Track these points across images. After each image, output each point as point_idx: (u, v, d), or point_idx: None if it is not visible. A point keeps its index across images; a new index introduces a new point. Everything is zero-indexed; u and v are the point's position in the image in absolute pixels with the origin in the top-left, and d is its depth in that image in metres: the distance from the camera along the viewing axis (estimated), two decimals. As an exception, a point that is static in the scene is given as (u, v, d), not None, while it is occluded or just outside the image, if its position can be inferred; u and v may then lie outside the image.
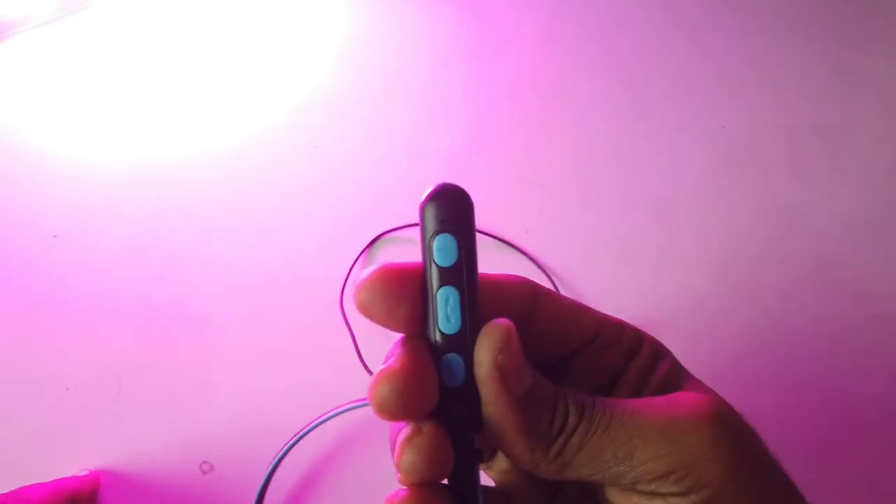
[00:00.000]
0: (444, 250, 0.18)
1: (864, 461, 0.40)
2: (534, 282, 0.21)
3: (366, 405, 0.37)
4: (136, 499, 0.40)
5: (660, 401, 0.20)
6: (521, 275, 0.21)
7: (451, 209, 0.18)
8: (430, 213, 0.18)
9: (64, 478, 0.38)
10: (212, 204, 0.49)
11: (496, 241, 0.47)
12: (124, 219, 0.48)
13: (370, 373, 0.40)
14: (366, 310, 0.18)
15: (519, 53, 0.55)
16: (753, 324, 0.44)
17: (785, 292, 0.45)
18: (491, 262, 0.21)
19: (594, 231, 0.47)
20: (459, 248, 0.18)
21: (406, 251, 0.47)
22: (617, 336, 0.22)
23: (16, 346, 0.44)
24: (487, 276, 0.20)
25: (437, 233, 0.18)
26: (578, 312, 0.22)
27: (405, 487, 0.18)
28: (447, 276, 0.18)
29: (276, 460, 0.37)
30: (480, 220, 0.48)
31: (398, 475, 0.18)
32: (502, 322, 0.18)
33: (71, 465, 0.40)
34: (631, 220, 0.48)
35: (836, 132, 0.50)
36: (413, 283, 0.18)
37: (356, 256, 0.47)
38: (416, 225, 0.20)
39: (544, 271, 0.46)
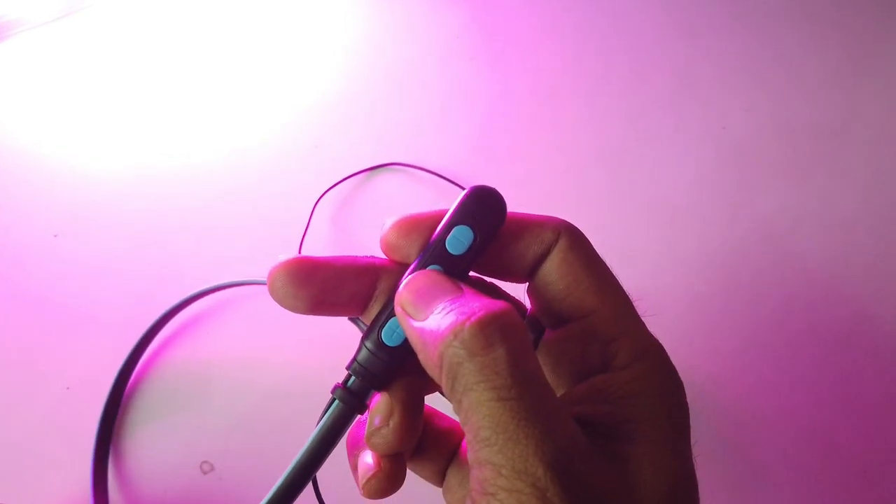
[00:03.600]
0: (458, 241, 0.20)
1: (865, 462, 0.40)
2: (566, 231, 0.21)
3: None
4: (137, 499, 0.40)
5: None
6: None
7: (487, 212, 0.20)
8: (470, 204, 0.20)
9: None
10: (212, 204, 0.49)
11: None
12: (124, 219, 0.48)
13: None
14: (277, 297, 0.20)
15: (519, 54, 0.55)
16: (753, 324, 0.44)
17: (785, 292, 0.45)
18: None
19: (594, 231, 0.47)
20: (471, 247, 0.20)
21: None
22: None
23: (16, 346, 0.44)
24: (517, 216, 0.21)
25: (462, 223, 0.20)
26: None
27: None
28: (445, 259, 0.20)
29: None
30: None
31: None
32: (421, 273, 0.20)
33: (70, 465, 0.40)
34: (631, 220, 0.48)
35: (836, 132, 0.50)
36: (321, 272, 0.20)
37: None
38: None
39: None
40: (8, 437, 0.41)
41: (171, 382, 0.43)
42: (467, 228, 0.20)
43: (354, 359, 0.20)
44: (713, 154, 0.50)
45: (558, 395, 0.21)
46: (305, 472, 0.20)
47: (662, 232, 0.47)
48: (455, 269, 0.20)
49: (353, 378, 0.20)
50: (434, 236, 0.20)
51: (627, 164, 0.49)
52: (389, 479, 0.20)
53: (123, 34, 0.57)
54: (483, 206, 0.20)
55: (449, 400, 0.18)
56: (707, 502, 0.42)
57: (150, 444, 0.41)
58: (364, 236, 0.48)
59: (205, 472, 0.40)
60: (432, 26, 0.56)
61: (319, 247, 0.47)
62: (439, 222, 0.20)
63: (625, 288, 0.22)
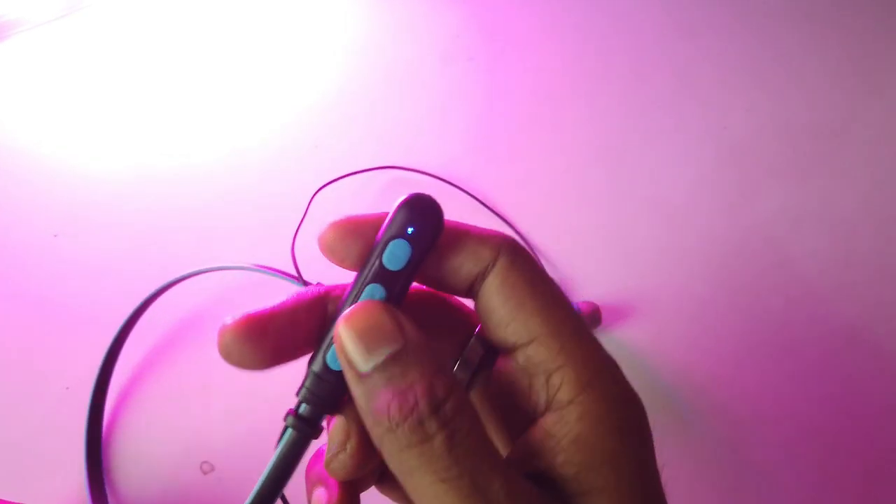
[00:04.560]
0: (395, 256, 0.19)
1: (865, 462, 0.40)
2: (510, 248, 0.20)
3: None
4: (137, 498, 0.40)
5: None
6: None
7: (423, 224, 0.19)
8: (404, 216, 0.19)
9: None
10: (212, 204, 0.49)
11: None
12: (124, 219, 0.48)
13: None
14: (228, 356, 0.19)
15: (518, 53, 0.55)
16: (753, 324, 0.44)
17: (785, 292, 0.45)
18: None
19: (594, 231, 0.47)
20: (409, 262, 0.19)
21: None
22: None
23: (16, 346, 0.44)
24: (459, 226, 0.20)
25: (398, 237, 0.19)
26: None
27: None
28: (383, 276, 0.19)
29: None
30: (481, 220, 0.48)
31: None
32: (365, 303, 0.18)
33: (70, 465, 0.40)
34: (632, 220, 0.48)
35: (836, 132, 0.50)
36: (277, 329, 0.19)
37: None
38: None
39: (544, 271, 0.46)
40: (8, 436, 0.41)
41: (172, 382, 0.43)
42: (404, 242, 0.19)
43: (303, 384, 0.20)
44: (713, 154, 0.50)
45: (516, 440, 0.19)
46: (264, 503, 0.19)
47: (662, 232, 0.47)
48: (395, 286, 0.19)
49: (303, 405, 0.20)
50: (372, 251, 0.19)
51: (627, 165, 0.49)
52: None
53: (123, 34, 0.57)
54: (418, 216, 0.19)
55: (392, 471, 0.18)
56: (707, 502, 0.42)
57: (150, 444, 0.41)
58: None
59: (205, 472, 0.40)
60: (432, 26, 0.56)
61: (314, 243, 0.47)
62: (378, 225, 0.19)
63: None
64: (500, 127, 0.52)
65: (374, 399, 0.17)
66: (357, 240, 0.19)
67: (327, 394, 0.19)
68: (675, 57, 0.54)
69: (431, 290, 0.21)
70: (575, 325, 0.19)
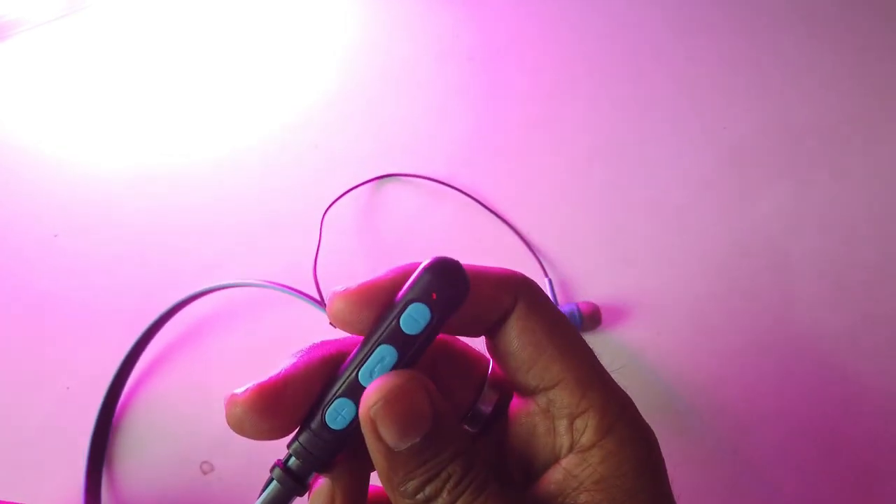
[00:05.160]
0: (414, 319, 0.18)
1: (865, 462, 0.40)
2: (525, 289, 0.20)
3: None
4: (137, 499, 0.40)
5: None
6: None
7: (446, 291, 0.18)
8: (428, 281, 0.18)
9: None
10: (212, 203, 0.49)
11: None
12: (124, 219, 0.48)
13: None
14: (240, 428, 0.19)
15: (518, 53, 0.55)
16: (753, 324, 0.44)
17: (785, 293, 0.45)
18: (487, 263, 0.20)
19: (594, 232, 0.47)
20: (427, 328, 0.18)
21: (406, 252, 0.47)
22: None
23: (16, 346, 0.44)
24: (479, 269, 0.20)
25: (419, 300, 0.18)
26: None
27: None
28: (398, 339, 0.18)
29: None
30: (480, 221, 0.48)
31: None
32: (398, 376, 0.18)
33: (70, 465, 0.40)
34: (631, 220, 0.48)
35: (836, 132, 0.50)
36: (289, 400, 0.19)
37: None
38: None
39: (544, 272, 0.46)
40: (7, 436, 0.41)
41: (172, 382, 0.43)
42: (424, 306, 0.18)
43: (295, 438, 0.19)
44: (713, 154, 0.50)
45: (539, 480, 0.20)
46: None
47: (662, 232, 0.47)
48: (409, 349, 0.18)
49: (292, 458, 0.19)
50: (389, 310, 0.18)
51: (627, 165, 0.49)
52: None
53: (123, 34, 0.57)
54: (442, 282, 0.18)
55: None
56: (707, 502, 0.42)
57: (149, 444, 0.41)
58: (357, 237, 0.48)
59: (205, 473, 0.40)
60: (431, 26, 0.56)
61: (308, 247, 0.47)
62: (393, 289, 0.19)
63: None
64: (500, 127, 0.52)
65: (402, 477, 0.18)
66: (371, 312, 0.19)
67: (321, 452, 0.19)
68: (674, 57, 0.54)
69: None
70: (596, 369, 0.20)
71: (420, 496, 0.18)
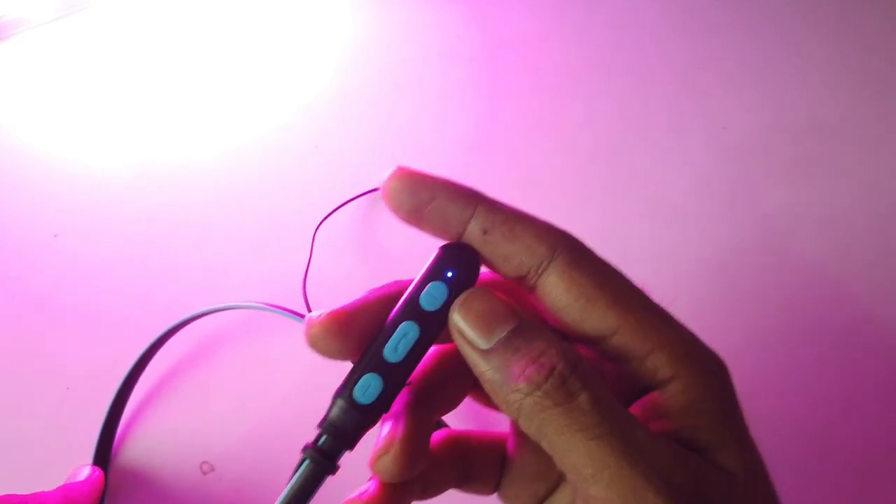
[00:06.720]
0: (433, 297, 0.19)
1: (864, 461, 0.40)
2: (565, 243, 0.20)
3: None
4: (136, 499, 0.40)
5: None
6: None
7: (462, 271, 0.20)
8: (444, 262, 0.20)
9: (68, 483, 0.38)
10: (212, 204, 0.49)
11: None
12: (125, 219, 0.48)
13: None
14: None
15: (518, 54, 0.55)
16: (753, 324, 0.44)
17: (784, 293, 0.45)
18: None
19: (594, 231, 0.47)
20: (444, 304, 0.19)
21: (405, 254, 0.47)
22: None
23: (16, 346, 0.44)
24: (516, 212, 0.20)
25: (437, 280, 0.19)
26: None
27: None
28: (420, 315, 0.19)
29: None
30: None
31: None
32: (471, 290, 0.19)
33: (70, 465, 0.40)
34: (631, 220, 0.48)
35: (836, 132, 0.50)
36: None
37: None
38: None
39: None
40: (8, 437, 0.41)
41: (172, 382, 0.43)
42: (442, 285, 0.19)
43: (326, 417, 0.20)
44: (713, 154, 0.50)
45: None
46: None
47: (662, 232, 0.47)
48: (430, 325, 0.19)
49: (324, 437, 0.20)
50: (407, 293, 0.20)
51: (627, 165, 0.49)
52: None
53: (123, 34, 0.57)
54: (456, 263, 0.20)
55: (534, 439, 0.19)
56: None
57: (149, 444, 0.41)
58: (353, 250, 0.48)
59: (205, 473, 0.40)
60: (432, 27, 0.56)
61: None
62: (374, 311, 0.20)
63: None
64: (501, 127, 0.52)
65: (506, 370, 0.18)
66: (347, 337, 0.19)
67: (350, 428, 0.20)
68: (674, 57, 0.54)
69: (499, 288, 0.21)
70: (653, 310, 0.20)
71: (531, 384, 0.18)
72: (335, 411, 0.20)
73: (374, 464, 0.20)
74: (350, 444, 0.20)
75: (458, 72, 0.54)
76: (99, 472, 0.38)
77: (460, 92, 0.53)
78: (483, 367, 0.19)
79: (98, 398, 0.41)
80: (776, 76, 0.53)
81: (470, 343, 0.19)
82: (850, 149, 0.50)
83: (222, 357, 0.44)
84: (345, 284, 0.45)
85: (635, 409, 0.20)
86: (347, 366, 0.20)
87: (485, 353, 0.18)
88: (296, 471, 0.20)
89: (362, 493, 0.20)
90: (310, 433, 0.20)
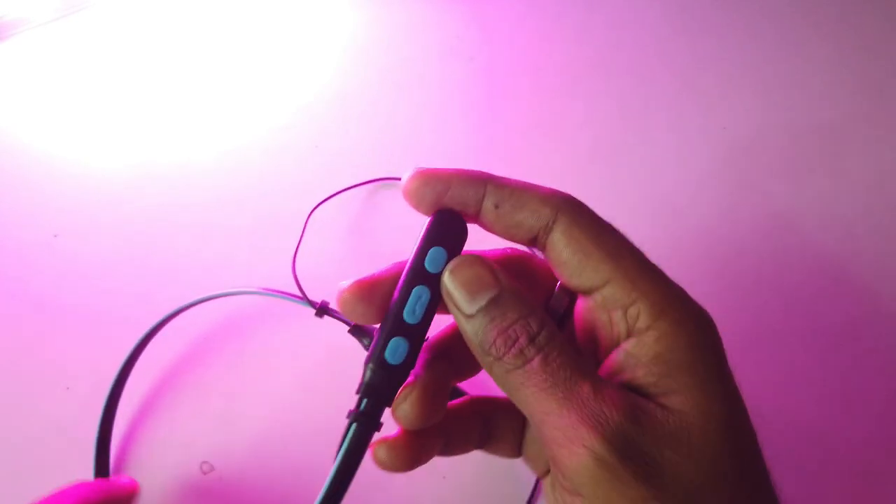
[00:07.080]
0: (436, 260, 0.22)
1: (866, 461, 0.40)
2: (568, 208, 0.23)
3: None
4: (136, 499, 0.40)
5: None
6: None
7: (454, 232, 0.23)
8: (439, 227, 0.22)
9: (105, 480, 0.38)
10: (212, 204, 0.49)
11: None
12: (125, 219, 0.48)
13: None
14: None
15: (518, 54, 0.55)
16: (753, 323, 0.44)
17: (785, 292, 0.45)
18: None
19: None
20: (445, 264, 0.22)
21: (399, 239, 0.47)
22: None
23: (15, 346, 0.44)
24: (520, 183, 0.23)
25: (436, 244, 0.22)
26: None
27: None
28: (428, 279, 0.22)
29: None
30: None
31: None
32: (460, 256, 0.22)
33: (71, 465, 0.40)
34: (631, 220, 0.47)
35: (836, 132, 0.50)
36: None
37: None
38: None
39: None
40: (7, 437, 0.41)
41: (172, 382, 0.43)
42: (441, 249, 0.22)
43: (362, 382, 0.22)
44: (713, 154, 0.50)
45: (602, 363, 0.23)
46: (335, 496, 0.21)
47: (661, 232, 0.47)
48: (436, 287, 0.22)
49: (364, 400, 0.22)
50: (412, 260, 0.22)
51: (627, 165, 0.49)
52: (401, 448, 0.23)
53: (123, 34, 0.57)
54: (450, 226, 0.22)
55: (502, 390, 0.22)
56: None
57: (149, 443, 0.41)
58: (350, 238, 0.48)
59: (205, 473, 0.40)
60: (432, 27, 0.56)
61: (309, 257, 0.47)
62: (390, 281, 0.23)
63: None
64: (501, 127, 0.52)
65: (482, 336, 0.21)
66: (369, 303, 0.22)
67: (386, 387, 0.22)
68: (674, 57, 0.54)
69: (517, 252, 0.25)
70: (644, 264, 0.22)
71: (497, 352, 0.21)
72: (370, 375, 0.22)
73: (394, 411, 0.23)
74: (389, 401, 0.22)
75: (458, 72, 0.54)
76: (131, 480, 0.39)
77: (460, 92, 0.53)
78: (466, 328, 0.22)
79: (98, 398, 0.41)
80: (776, 76, 0.53)
81: (457, 306, 0.22)
82: (850, 149, 0.50)
83: (221, 355, 0.44)
84: (337, 270, 0.45)
85: (614, 354, 0.22)
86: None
87: (468, 317, 0.21)
88: (344, 436, 0.22)
89: (389, 436, 0.23)
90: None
